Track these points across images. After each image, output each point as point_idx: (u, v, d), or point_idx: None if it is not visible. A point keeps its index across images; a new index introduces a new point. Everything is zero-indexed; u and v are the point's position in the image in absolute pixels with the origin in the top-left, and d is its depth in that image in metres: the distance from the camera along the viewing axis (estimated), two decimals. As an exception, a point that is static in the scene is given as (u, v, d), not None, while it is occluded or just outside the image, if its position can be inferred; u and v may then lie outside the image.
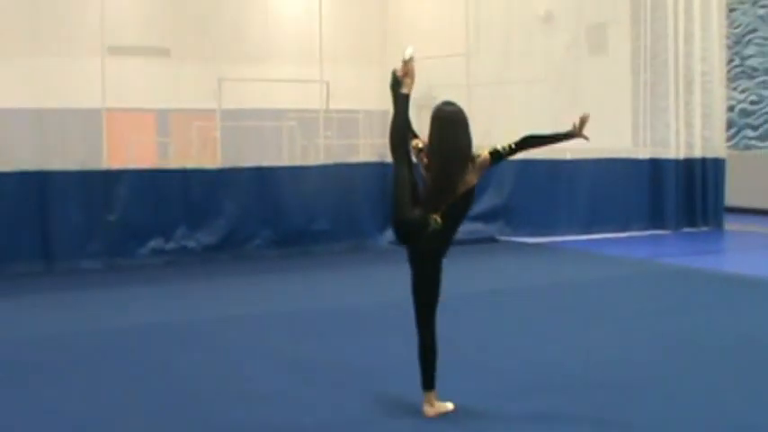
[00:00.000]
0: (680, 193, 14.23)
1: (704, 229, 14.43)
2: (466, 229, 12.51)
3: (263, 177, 11.34)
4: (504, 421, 5.07)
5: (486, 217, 12.81)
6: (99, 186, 10.42)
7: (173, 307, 8.39)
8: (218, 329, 7.42)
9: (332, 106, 12.96)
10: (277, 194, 11.42)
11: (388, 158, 12.63)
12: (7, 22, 11.20)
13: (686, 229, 14.29)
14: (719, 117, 14.68)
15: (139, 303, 8.56)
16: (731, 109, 17.00)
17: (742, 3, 17.52)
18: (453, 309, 8.10)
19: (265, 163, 11.65)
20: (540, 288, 9.33)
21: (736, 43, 17.55)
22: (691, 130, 14.38)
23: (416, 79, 14.88)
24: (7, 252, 9.93)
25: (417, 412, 5.12)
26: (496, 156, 4.98)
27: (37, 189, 10.09)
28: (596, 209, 13.30)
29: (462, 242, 12.27)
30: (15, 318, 7.94)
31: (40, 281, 9.71)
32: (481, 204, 12.59)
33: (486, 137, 13.31)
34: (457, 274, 10.10)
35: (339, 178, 11.80)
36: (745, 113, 17.57)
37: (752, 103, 17.49)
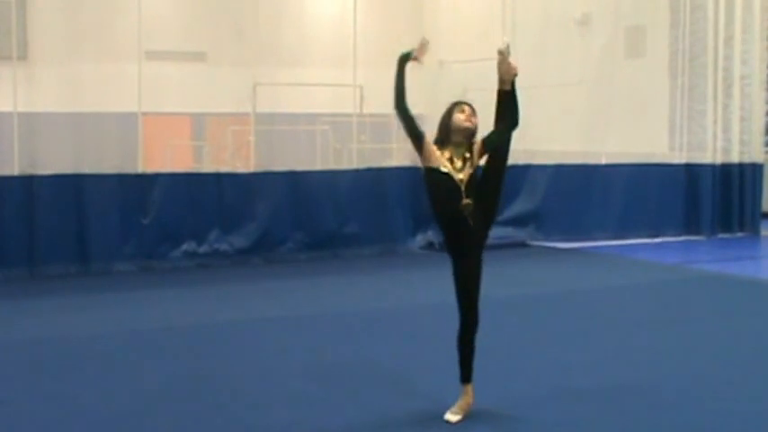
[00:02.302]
0: (716, 199, 14.11)
1: (740, 234, 14.30)
2: (496, 234, 12.61)
3: (296, 181, 11.42)
4: (535, 426, 5.08)
5: (517, 221, 12.81)
6: (134, 190, 10.57)
7: (205, 309, 8.50)
8: (250, 331, 7.51)
9: (365, 110, 13.00)
10: (309, 198, 11.49)
11: (418, 163, 12.78)
12: (46, 27, 11.39)
13: (721, 235, 14.17)
14: (758, 121, 14.55)
15: (172, 305, 8.68)
16: (770, 113, 16.84)
17: (785, 4, 17.33)
18: (483, 314, 8.22)
19: (299, 167, 11.74)
20: (571, 293, 9.31)
21: (778, 46, 17.37)
22: (728, 134, 14.25)
23: (452, 82, 14.84)
24: (45, 254, 10.10)
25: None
26: (487, 141, 5.19)
27: (73, 192, 10.25)
28: (630, 214, 13.22)
29: (493, 247, 12.24)
30: (52, 317, 8.09)
31: (76, 282, 9.87)
32: (513, 209, 12.60)
33: (520, 141, 13.37)
34: (487, 279, 10.14)
35: (372, 182, 11.85)
36: (784, 118, 17.37)
37: (792, 107, 17.29)
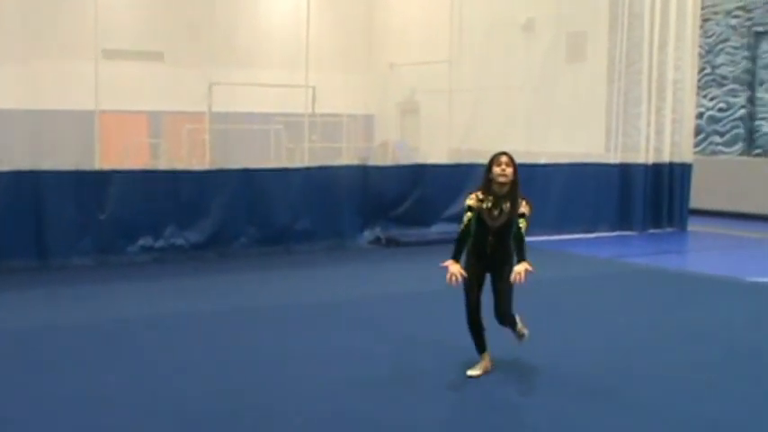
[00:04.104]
0: (647, 196, 14.41)
1: (669, 230, 14.64)
2: (438, 229, 12.87)
3: (249, 179, 11.43)
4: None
5: (460, 217, 12.88)
6: (91, 186, 10.48)
7: (160, 302, 8.50)
8: (204, 324, 7.55)
9: (317, 110, 13.09)
10: (263, 195, 11.52)
11: (370, 161, 12.86)
12: (3, 25, 11.27)
13: (652, 231, 14.49)
14: (689, 124, 14.83)
15: (129, 299, 8.67)
16: (700, 116, 17.17)
17: (716, 13, 17.67)
18: (410, 306, 8.40)
19: (252, 165, 11.76)
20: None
21: (708, 52, 17.72)
22: (661, 136, 14.54)
23: (401, 84, 14.95)
24: (2, 248, 10.00)
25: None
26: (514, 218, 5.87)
27: (31, 188, 10.14)
28: (567, 210, 13.44)
29: (434, 242, 12.44)
30: (9, 311, 8.04)
31: (34, 276, 9.79)
32: (457, 205, 12.73)
33: (463, 142, 13.56)
34: (421, 272, 10.33)
35: (322, 180, 11.91)
36: (713, 120, 17.76)
37: (720, 110, 17.68)
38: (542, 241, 12.92)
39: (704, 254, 12.91)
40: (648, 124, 14.37)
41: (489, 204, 5.79)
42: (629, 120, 14.34)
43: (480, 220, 5.82)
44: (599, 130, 14.38)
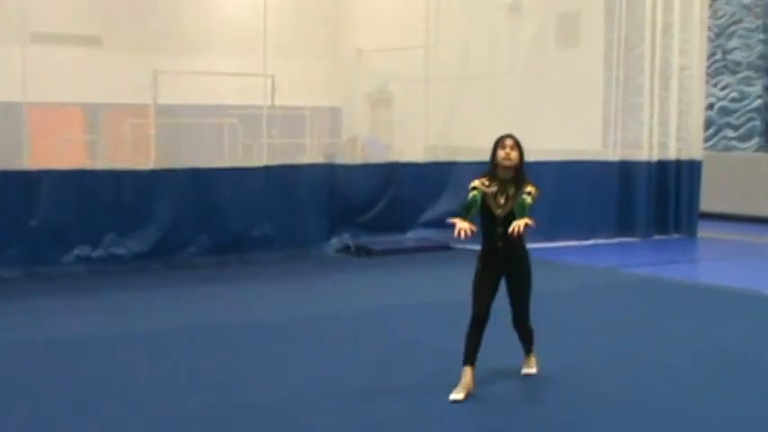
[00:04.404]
0: (651, 198, 14.66)
1: (676, 236, 14.89)
2: (415, 235, 13.11)
3: (200, 179, 11.57)
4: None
5: (439, 223, 12.93)
6: (20, 188, 10.53)
7: (97, 319, 8.55)
8: (147, 344, 7.61)
9: (277, 102, 13.20)
10: (215, 198, 11.66)
11: (337, 159, 13.01)
12: None
13: (657, 237, 14.73)
14: (697, 116, 15.08)
15: (61, 315, 8.74)
16: (710, 107, 17.45)
17: (726, -10, 17.96)
18: (387, 320, 8.61)
19: (204, 164, 11.89)
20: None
21: (719, 35, 17.98)
22: (666, 129, 14.79)
23: (371, 72, 15.09)
24: None
25: None
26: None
27: (-49, 190, 10.21)
28: (559, 215, 13.57)
29: (412, 250, 12.78)
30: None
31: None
32: (435, 209, 12.99)
33: (442, 137, 13.74)
34: (403, 283, 10.48)
35: (283, 180, 12.08)
36: (725, 112, 18.01)
37: (733, 100, 17.93)
38: (532, 249, 13.06)
39: (716, 263, 13.08)
40: (651, 116, 14.61)
41: (495, 189, 6.12)
42: (630, 112, 14.58)
43: (486, 209, 6.12)
44: (595, 124, 14.60)
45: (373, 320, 8.67)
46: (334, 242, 12.49)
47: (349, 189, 12.62)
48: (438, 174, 13.04)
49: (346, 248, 12.46)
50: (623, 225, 14.52)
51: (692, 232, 14.99)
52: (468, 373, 6.18)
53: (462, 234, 5.85)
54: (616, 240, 14.35)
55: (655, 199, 14.73)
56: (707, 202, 15.67)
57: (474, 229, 5.92)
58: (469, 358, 6.20)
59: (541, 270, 11.43)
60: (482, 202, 6.12)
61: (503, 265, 6.21)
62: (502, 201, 6.11)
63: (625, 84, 14.55)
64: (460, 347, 6.20)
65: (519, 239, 6.07)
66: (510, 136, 6.21)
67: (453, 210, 13.38)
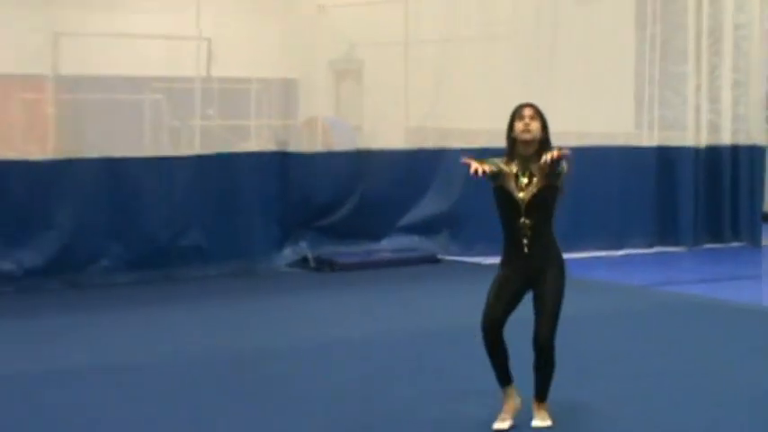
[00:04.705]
0: (700, 195, 14.82)
1: (734, 245, 15.08)
2: (397, 244, 13.30)
3: (113, 173, 11.73)
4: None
5: (424, 228, 13.43)
6: None
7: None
8: (42, 388, 7.61)
9: (214, 73, 13.21)
10: (133, 197, 11.83)
11: (291, 146, 13.13)
12: None
13: (708, 246, 14.91)
14: (758, 88, 15.21)
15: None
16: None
17: None
18: (364, 356, 8.70)
19: (118, 152, 12.00)
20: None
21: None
22: (717, 106, 14.97)
23: (334, 34, 15.20)
24: None
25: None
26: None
27: None
28: (582, 218, 13.67)
29: (389, 263, 12.90)
30: None
31: None
32: (419, 210, 13.28)
33: (426, 117, 13.78)
34: (379, 307, 10.62)
35: (221, 174, 12.28)
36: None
37: (806, 67, 18.05)
38: None
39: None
40: (698, 89, 14.77)
41: (515, 170, 6.37)
42: (670, 83, 14.71)
43: (505, 194, 6.37)
44: (626, 99, 14.71)
45: (336, 359, 8.66)
46: (288, 253, 12.66)
47: (307, 185, 12.77)
48: (422, 164, 13.27)
49: (303, 261, 12.63)
50: (664, 230, 14.70)
51: (754, 239, 15.12)
52: (509, 395, 6.59)
53: (480, 172, 6.11)
54: (655, 250, 14.55)
55: (705, 196, 14.88)
56: (774, 200, 15.78)
57: (494, 169, 6.21)
58: (503, 377, 6.56)
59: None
60: (501, 190, 6.37)
61: (528, 269, 6.43)
62: (524, 181, 6.35)
63: (663, 47, 14.67)
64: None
65: (547, 238, 6.39)
66: (529, 105, 6.45)
67: (441, 211, 13.76)
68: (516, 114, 6.42)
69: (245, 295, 11.37)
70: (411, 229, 13.29)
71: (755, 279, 13.56)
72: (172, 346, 9.18)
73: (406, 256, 13.13)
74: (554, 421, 6.57)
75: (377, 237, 13.25)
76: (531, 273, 6.42)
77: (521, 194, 6.32)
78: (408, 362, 8.49)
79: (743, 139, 15.17)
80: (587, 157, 13.71)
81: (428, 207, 13.37)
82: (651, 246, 14.66)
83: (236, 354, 8.82)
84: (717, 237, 15.08)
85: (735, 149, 15.15)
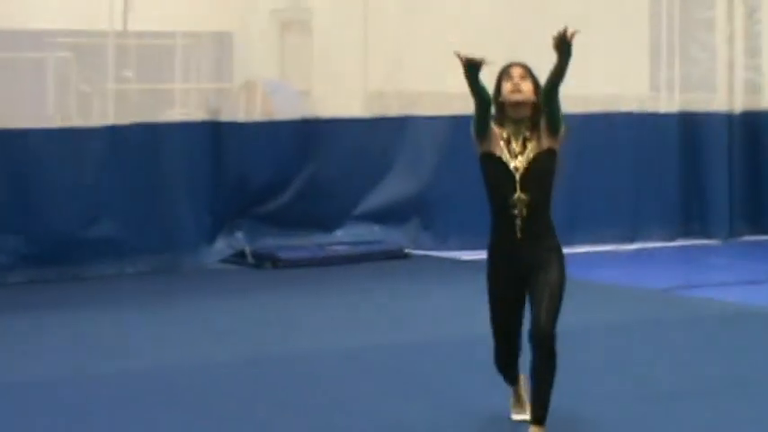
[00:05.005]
0: (735, 174, 15.28)
1: (780, 237, 15.41)
2: (354, 236, 13.78)
3: (8, 147, 12.34)
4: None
5: (388, 216, 13.98)
6: None
7: None
8: None
9: (131, 27, 13.57)
10: (33, 177, 12.42)
11: (225, 115, 13.64)
12: None
13: (747, 238, 15.44)
14: None
15: None
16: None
17: None
18: (320, 373, 9.12)
19: (14, 123, 12.56)
20: (475, 342, 8.88)
21: None
22: (756, 61, 15.56)
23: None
24: None
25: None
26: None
27: None
28: (586, 204, 14.20)
29: (349, 259, 13.38)
30: None
31: None
32: (380, 194, 13.86)
33: (389, 79, 14.26)
34: (333, 312, 11.31)
35: (140, 148, 12.85)
36: None
37: None
38: None
39: None
40: (731, 40, 15.24)
41: (506, 135, 7.00)
42: (694, 33, 15.23)
43: (497, 164, 6.96)
44: (639, 54, 15.13)
45: (272, 379, 8.99)
46: (221, 247, 13.25)
47: (244, 162, 13.32)
48: (384, 136, 13.84)
49: (240, 256, 13.19)
50: (690, 219, 15.23)
51: (805, 229, 15.56)
52: (519, 387, 7.49)
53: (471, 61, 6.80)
54: (678, 244, 15.07)
55: (741, 175, 15.37)
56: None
57: (485, 61, 6.81)
58: (514, 378, 7.44)
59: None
60: (490, 158, 6.96)
61: (523, 266, 6.99)
62: (517, 148, 6.97)
63: None
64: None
65: (545, 219, 6.99)
66: (518, 64, 7.07)
67: (409, 194, 14.15)
68: (503, 75, 7.02)
69: (167, 298, 11.85)
70: (371, 218, 13.85)
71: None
72: (81, 356, 9.63)
73: (366, 250, 13.64)
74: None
75: (329, 227, 13.76)
76: (523, 268, 6.95)
77: (515, 162, 6.91)
78: (367, 382, 8.91)
79: (789, 104, 15.50)
80: (590, 126, 14.23)
81: (392, 190, 13.94)
82: (673, 238, 15.12)
83: (149, 371, 9.09)
84: (758, 226, 15.58)
85: (777, 116, 15.45)
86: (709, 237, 15.36)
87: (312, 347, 9.97)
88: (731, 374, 8.99)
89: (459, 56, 6.78)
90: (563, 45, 6.87)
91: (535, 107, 6.96)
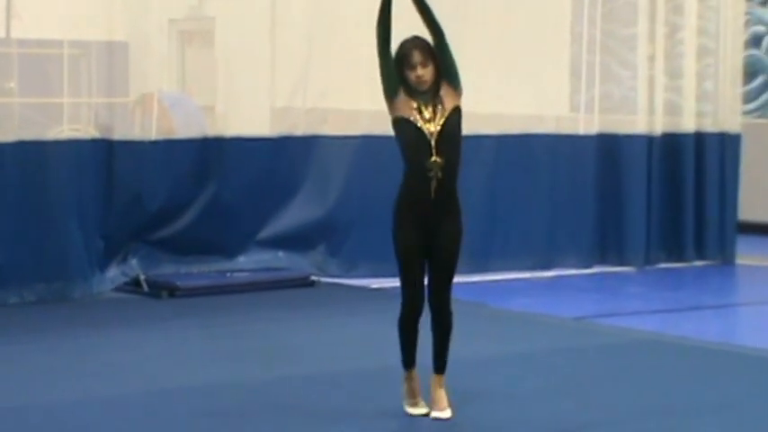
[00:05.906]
0: (654, 199, 15.29)
1: (699, 264, 15.60)
2: (258, 263, 13.63)
3: None
4: None
5: (294, 241, 13.79)
6: None
7: None
8: None
9: (14, 34, 13.34)
10: None
11: (118, 133, 13.33)
12: None
13: (664, 265, 15.46)
14: (733, 58, 15.75)
15: None
16: (756, 41, 18.19)
17: None
18: (218, 414, 8.68)
19: None
20: (382, 373, 9.40)
21: None
22: (677, 81, 15.46)
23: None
24: None
25: None
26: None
27: None
28: (500, 228, 14.18)
29: (252, 287, 13.23)
30: None
31: None
32: (286, 217, 13.67)
33: (297, 94, 14.01)
34: (235, 345, 10.98)
35: (24, 168, 12.51)
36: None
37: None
38: (456, 286, 13.39)
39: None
40: (653, 59, 15.20)
41: (416, 105, 7.59)
42: (616, 51, 15.18)
43: (412, 129, 7.57)
44: (558, 72, 15.11)
45: (170, 418, 8.67)
46: (114, 274, 12.94)
47: (139, 183, 13.01)
48: (290, 157, 13.62)
49: (134, 284, 12.93)
50: (606, 245, 15.23)
51: (725, 257, 15.70)
52: (414, 378, 7.98)
53: None
54: (595, 271, 15.06)
55: (660, 200, 15.35)
56: (749, 207, 16.36)
57: None
58: (410, 358, 7.90)
59: (466, 321, 11.05)
60: (406, 123, 7.56)
61: (431, 222, 7.69)
62: (428, 114, 7.62)
63: (607, 2, 15.08)
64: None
65: (454, 189, 7.67)
66: (416, 44, 7.61)
67: (316, 219, 13.98)
68: (405, 61, 7.59)
69: (54, 330, 11.55)
70: (276, 243, 13.68)
71: (726, 309, 14.01)
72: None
73: (270, 277, 13.53)
74: (454, 412, 7.64)
75: (231, 252, 13.57)
76: (432, 224, 7.69)
77: (429, 127, 7.55)
78: (263, 416, 8.68)
79: (711, 126, 15.66)
80: (505, 148, 14.40)
81: (298, 214, 13.78)
82: (589, 265, 15.16)
83: (22, 413, 8.72)
84: (676, 254, 15.62)
85: (700, 138, 15.60)
86: (625, 264, 15.37)
87: (211, 382, 9.64)
88: (644, 404, 9.09)
89: None
90: None
91: (436, 77, 7.62)
